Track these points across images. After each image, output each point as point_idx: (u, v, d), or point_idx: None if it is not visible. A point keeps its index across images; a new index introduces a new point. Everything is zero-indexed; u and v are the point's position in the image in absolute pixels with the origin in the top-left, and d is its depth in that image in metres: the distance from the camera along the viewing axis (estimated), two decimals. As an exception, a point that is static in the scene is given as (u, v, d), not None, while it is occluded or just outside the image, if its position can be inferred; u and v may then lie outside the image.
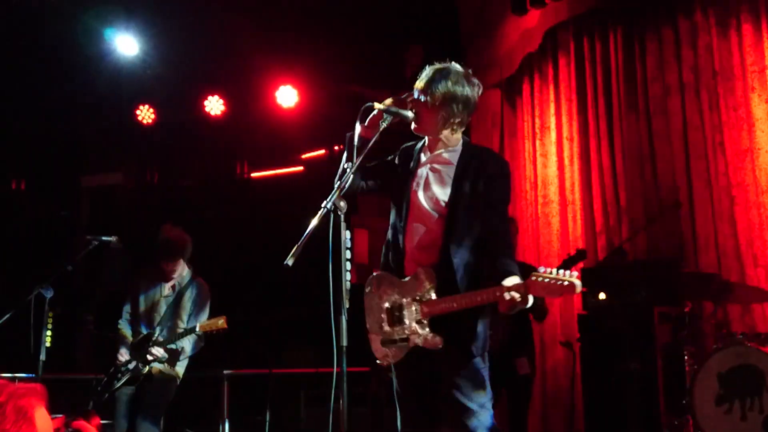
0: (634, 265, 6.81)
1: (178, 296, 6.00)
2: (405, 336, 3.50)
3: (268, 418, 7.96)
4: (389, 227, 3.74)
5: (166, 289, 6.05)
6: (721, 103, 7.22)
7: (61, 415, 1.90)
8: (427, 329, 3.45)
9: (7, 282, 10.09)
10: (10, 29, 8.54)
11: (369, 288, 3.72)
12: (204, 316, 5.96)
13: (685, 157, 7.40)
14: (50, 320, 5.90)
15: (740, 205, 7.00)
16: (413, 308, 3.48)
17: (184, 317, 5.93)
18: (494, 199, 3.57)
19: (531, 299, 3.27)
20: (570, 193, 8.19)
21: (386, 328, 3.58)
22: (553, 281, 3.13)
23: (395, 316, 3.54)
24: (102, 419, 7.19)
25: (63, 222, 10.76)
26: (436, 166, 3.66)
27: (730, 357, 5.65)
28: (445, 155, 3.65)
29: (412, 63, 8.99)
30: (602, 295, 6.87)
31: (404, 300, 3.52)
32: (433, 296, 3.44)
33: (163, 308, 5.99)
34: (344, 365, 3.01)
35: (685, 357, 6.00)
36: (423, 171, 3.66)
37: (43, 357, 5.60)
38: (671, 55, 7.64)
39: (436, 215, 3.57)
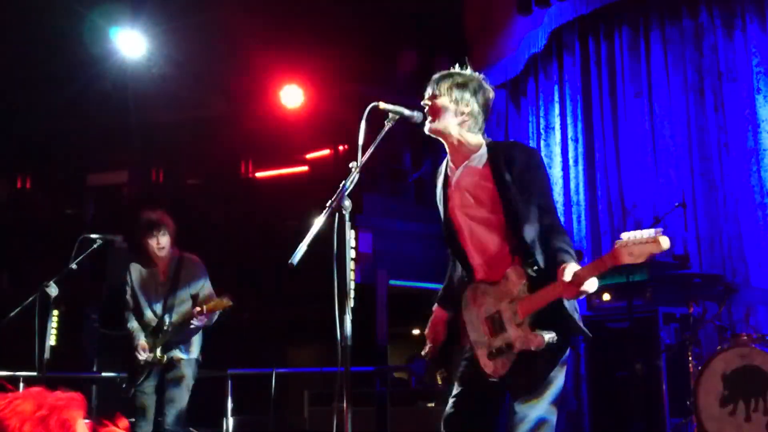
0: (639, 266, 6.79)
1: (174, 280, 6.00)
2: (510, 343, 3.33)
3: (271, 418, 7.98)
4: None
5: (160, 276, 6.05)
6: (726, 104, 7.22)
7: (87, 421, 1.86)
8: (528, 329, 3.27)
9: (12, 280, 10.12)
10: (16, 28, 8.56)
11: (465, 302, 3.55)
12: (206, 289, 5.95)
13: (690, 158, 7.40)
14: (55, 319, 5.89)
15: (745, 206, 6.99)
16: (510, 312, 3.33)
17: (186, 297, 5.90)
18: (534, 190, 3.40)
19: (595, 283, 3.09)
20: (575, 193, 8.20)
21: (490, 339, 3.41)
22: (641, 241, 2.91)
23: (496, 325, 3.39)
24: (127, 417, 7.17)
25: (68, 220, 10.78)
26: (466, 179, 3.52)
27: (735, 358, 5.64)
28: (471, 163, 3.52)
29: (405, 65, 9.01)
30: (607, 296, 6.88)
31: (501, 305, 3.37)
32: (527, 293, 3.29)
33: (161, 296, 5.99)
34: (348, 364, 3.00)
35: (690, 358, 6.00)
36: (455, 190, 3.54)
37: (47, 355, 5.61)
38: (676, 55, 7.64)
39: (489, 224, 3.45)
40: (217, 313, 5.83)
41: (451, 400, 3.56)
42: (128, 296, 6.12)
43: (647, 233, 2.91)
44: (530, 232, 3.36)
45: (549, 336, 3.22)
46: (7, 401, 1.85)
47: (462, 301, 3.58)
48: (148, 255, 6.04)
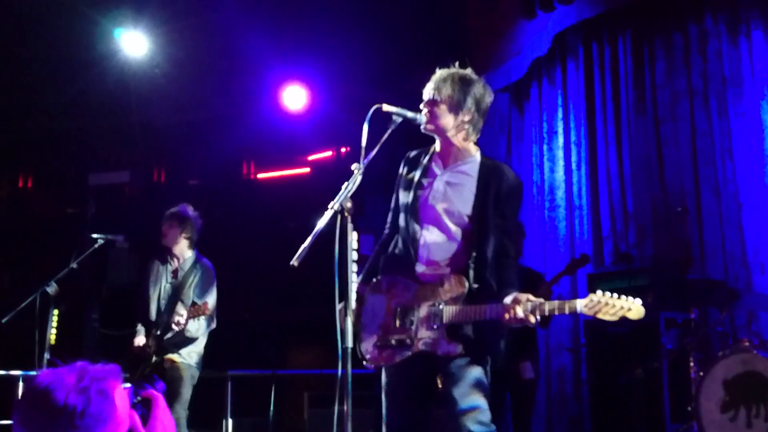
0: (641, 270, 6.79)
1: (183, 280, 6.00)
2: (410, 340, 3.46)
3: (271, 419, 7.96)
4: (390, 236, 3.78)
5: (170, 274, 6.07)
6: (730, 110, 7.20)
7: (128, 385, 2.10)
8: (444, 335, 3.42)
9: (13, 279, 10.11)
10: (19, 26, 8.56)
11: (376, 287, 3.68)
12: (209, 298, 5.94)
13: (693, 163, 7.38)
14: (55, 318, 5.90)
15: (748, 212, 6.97)
16: (430, 313, 3.44)
17: (187, 302, 5.91)
18: (508, 215, 3.59)
19: (535, 318, 3.27)
20: (577, 197, 8.17)
21: (391, 331, 3.53)
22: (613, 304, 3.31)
23: (404, 320, 3.50)
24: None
25: (69, 220, 10.78)
26: (453, 179, 3.62)
27: (736, 364, 5.62)
28: (463, 167, 3.62)
29: (408, 68, 8.98)
30: (608, 301, 6.85)
31: (422, 304, 3.49)
32: (462, 303, 3.43)
33: (168, 293, 6.01)
34: (349, 367, 3.00)
35: (691, 363, 5.97)
36: (439, 183, 3.63)
37: (47, 355, 5.60)
38: (680, 60, 7.62)
39: (457, 229, 3.56)
40: (203, 320, 5.82)
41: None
42: (140, 291, 6.16)
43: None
44: (490, 250, 3.50)
45: (459, 348, 3.39)
46: (54, 374, 2.02)
47: (374, 283, 3.69)
48: (163, 249, 6.12)
